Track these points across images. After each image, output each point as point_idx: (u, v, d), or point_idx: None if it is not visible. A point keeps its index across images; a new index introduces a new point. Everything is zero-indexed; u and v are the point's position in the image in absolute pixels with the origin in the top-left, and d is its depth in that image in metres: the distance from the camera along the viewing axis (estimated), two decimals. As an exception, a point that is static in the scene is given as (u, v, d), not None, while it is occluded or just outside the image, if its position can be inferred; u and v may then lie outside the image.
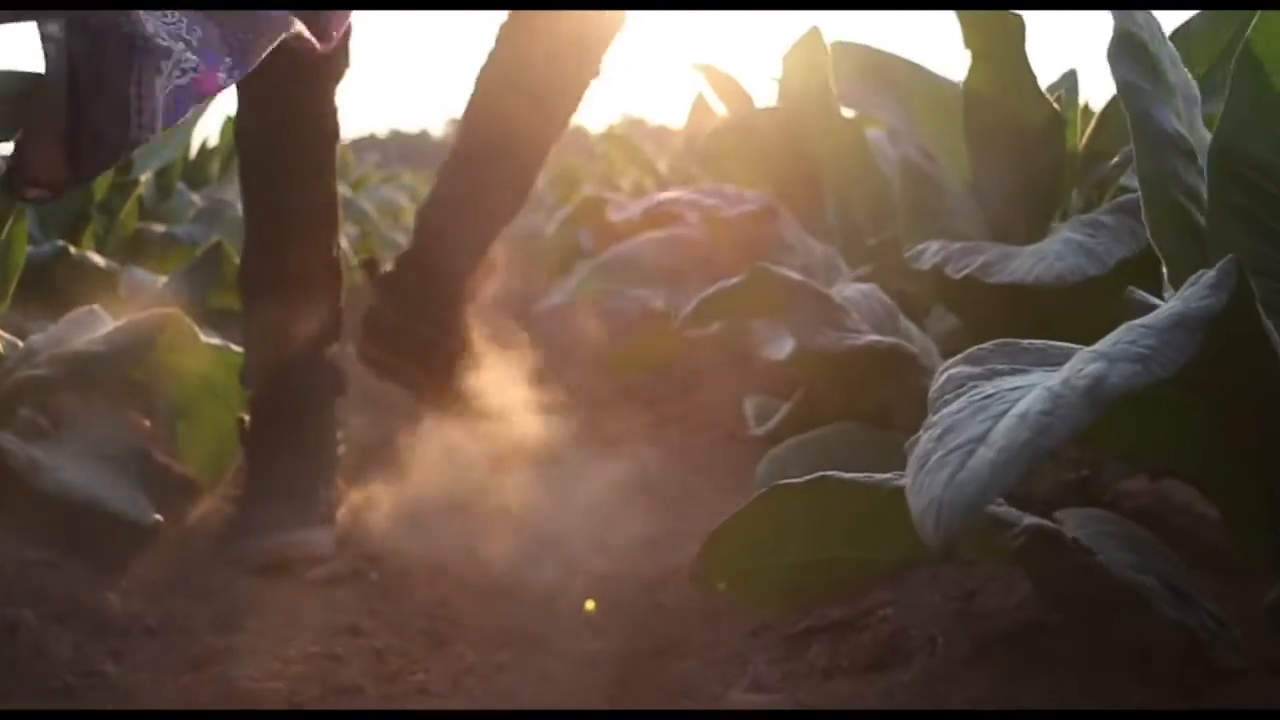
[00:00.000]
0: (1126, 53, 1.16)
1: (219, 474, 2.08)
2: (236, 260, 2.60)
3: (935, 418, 0.89)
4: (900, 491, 1.04)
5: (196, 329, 1.94)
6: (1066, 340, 1.14)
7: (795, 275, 1.67)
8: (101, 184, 2.41)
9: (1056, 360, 0.94)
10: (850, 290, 1.75)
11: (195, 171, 3.64)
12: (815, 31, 2.71)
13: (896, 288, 1.98)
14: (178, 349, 1.98)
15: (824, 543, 1.14)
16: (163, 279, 2.60)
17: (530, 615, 1.61)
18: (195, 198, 3.18)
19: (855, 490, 1.06)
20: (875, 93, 1.99)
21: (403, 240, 6.94)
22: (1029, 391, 0.86)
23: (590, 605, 1.91)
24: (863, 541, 1.14)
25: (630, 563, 1.77)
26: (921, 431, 0.89)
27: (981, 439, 0.83)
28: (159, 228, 2.89)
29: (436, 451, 2.21)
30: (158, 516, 1.62)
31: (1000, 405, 0.86)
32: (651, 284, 2.60)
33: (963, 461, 0.82)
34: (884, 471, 1.62)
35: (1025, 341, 0.97)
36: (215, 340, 2.00)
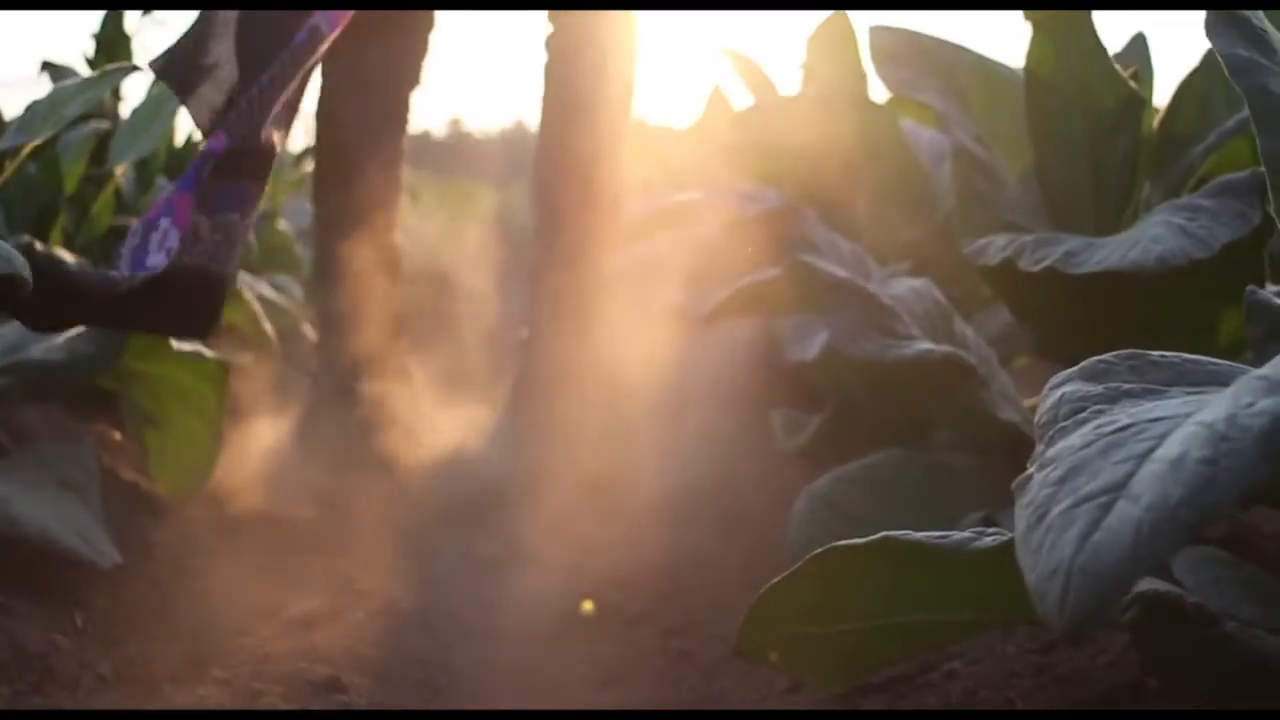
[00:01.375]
0: (1228, 26, 0.97)
1: (193, 490, 1.89)
2: (219, 259, 2.41)
3: (1051, 452, 0.70)
4: (986, 555, 0.85)
5: (171, 338, 1.75)
6: (1160, 337, 0.96)
7: (838, 270, 1.48)
8: (72, 175, 2.22)
9: (1200, 379, 0.75)
10: (899, 287, 1.55)
11: (180, 164, 3.45)
12: (842, 15, 2.52)
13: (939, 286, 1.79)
14: (147, 356, 1.80)
15: (890, 609, 0.94)
16: (140, 279, 2.41)
17: (537, 663, 1.41)
18: (180, 193, 2.99)
19: (927, 553, 0.86)
20: (919, 77, 1.80)
21: (402, 240, 6.76)
22: (1177, 425, 0.66)
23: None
24: (937, 607, 0.94)
25: (651, 600, 1.58)
26: (1032, 468, 0.70)
27: (1120, 488, 0.63)
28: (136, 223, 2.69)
29: (426, 476, 2.03)
30: (117, 559, 1.43)
31: (1141, 442, 0.66)
32: (666, 287, 2.41)
33: (1097, 518, 0.63)
34: (948, 512, 1.44)
35: (1156, 354, 0.78)
36: (187, 347, 1.81)
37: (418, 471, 2.28)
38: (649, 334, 2.21)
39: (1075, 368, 0.79)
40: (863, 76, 2.35)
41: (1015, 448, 1.50)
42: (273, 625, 1.47)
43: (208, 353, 1.83)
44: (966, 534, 0.87)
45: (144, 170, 2.88)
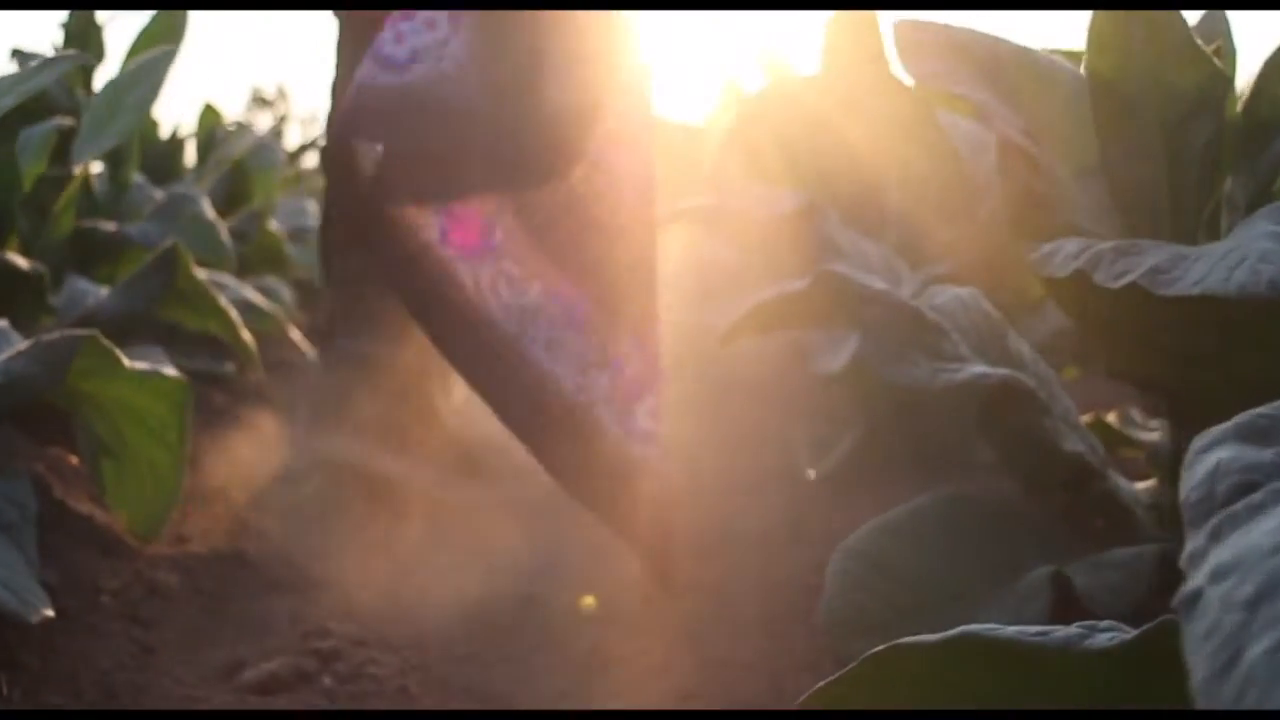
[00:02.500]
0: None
1: (155, 525, 1.70)
2: (193, 266, 2.23)
3: (1225, 555, 0.50)
4: (1103, 658, 0.66)
5: (118, 352, 1.56)
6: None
7: (873, 281, 1.28)
8: (30, 175, 2.03)
9: None
10: (943, 297, 1.35)
11: (162, 162, 3.26)
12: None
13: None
14: (95, 375, 1.60)
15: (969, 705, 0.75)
16: (105, 289, 2.23)
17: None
18: (158, 193, 2.80)
19: (1021, 653, 0.67)
20: (952, 69, 1.60)
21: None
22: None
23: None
24: (1030, 703, 0.75)
25: (664, 653, 1.38)
26: (1197, 579, 0.50)
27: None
28: (109, 226, 2.51)
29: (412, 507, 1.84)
30: (47, 612, 1.24)
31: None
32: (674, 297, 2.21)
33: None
34: (1007, 566, 1.24)
35: (1340, 409, 0.58)
36: (143, 365, 1.62)
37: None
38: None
39: (1228, 425, 0.59)
40: (887, 64, 2.15)
41: (1080, 483, 1.31)
42: (227, 691, 1.27)
43: (167, 370, 1.64)
44: (1073, 631, 0.67)
45: (118, 168, 2.70)
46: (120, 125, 2.26)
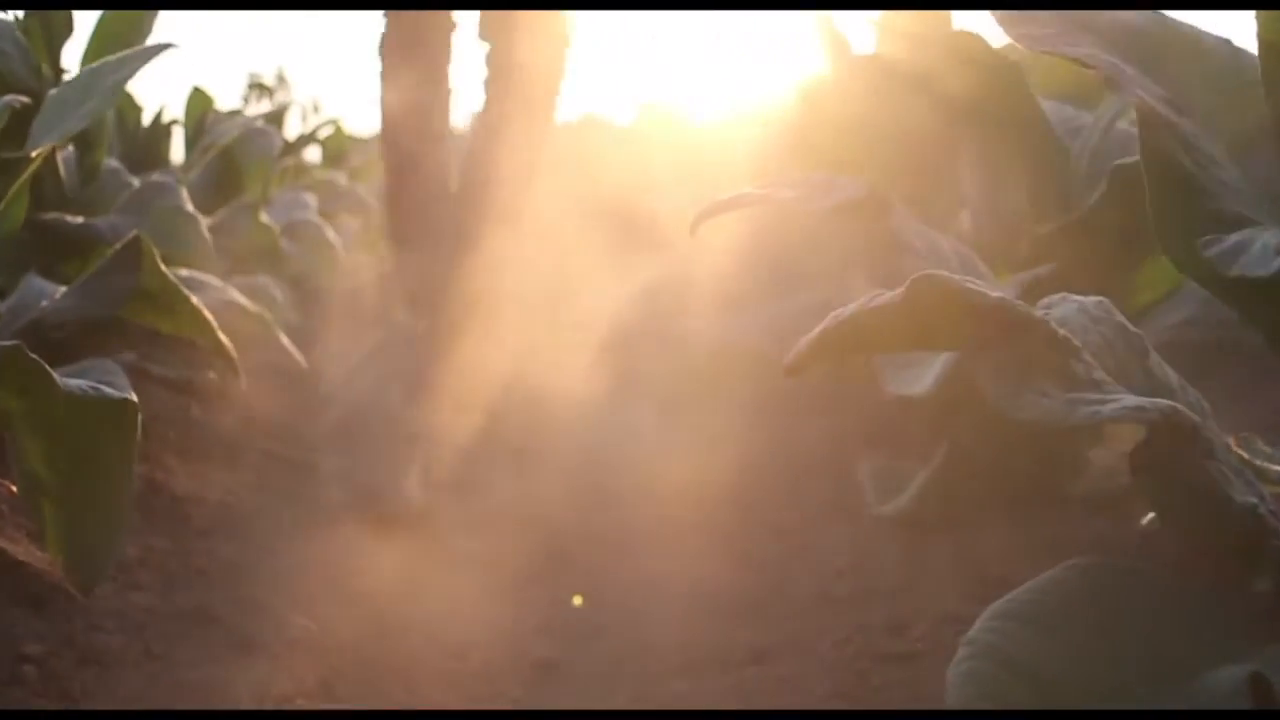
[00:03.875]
0: None
1: (97, 570, 1.42)
2: (160, 260, 1.95)
3: None
4: None
5: (47, 368, 1.29)
6: None
7: (988, 290, 1.00)
8: (-26, 160, 1.76)
9: None
10: (1065, 309, 1.07)
11: (144, 150, 3.00)
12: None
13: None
14: (23, 394, 1.33)
15: None
16: (63, 288, 1.96)
17: None
18: (136, 181, 2.53)
19: None
20: (1066, 33, 1.32)
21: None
22: None
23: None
24: None
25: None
26: None
27: None
28: (75, 219, 2.24)
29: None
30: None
31: None
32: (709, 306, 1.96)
33: None
34: (1179, 660, 0.96)
35: None
36: (81, 383, 1.34)
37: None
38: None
39: None
40: (970, 34, 1.87)
41: (1253, 546, 1.02)
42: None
43: (109, 389, 1.36)
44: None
45: (88, 154, 2.42)
46: (90, 108, 1.98)
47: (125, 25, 2.44)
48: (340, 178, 5.03)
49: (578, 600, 1.62)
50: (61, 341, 2.19)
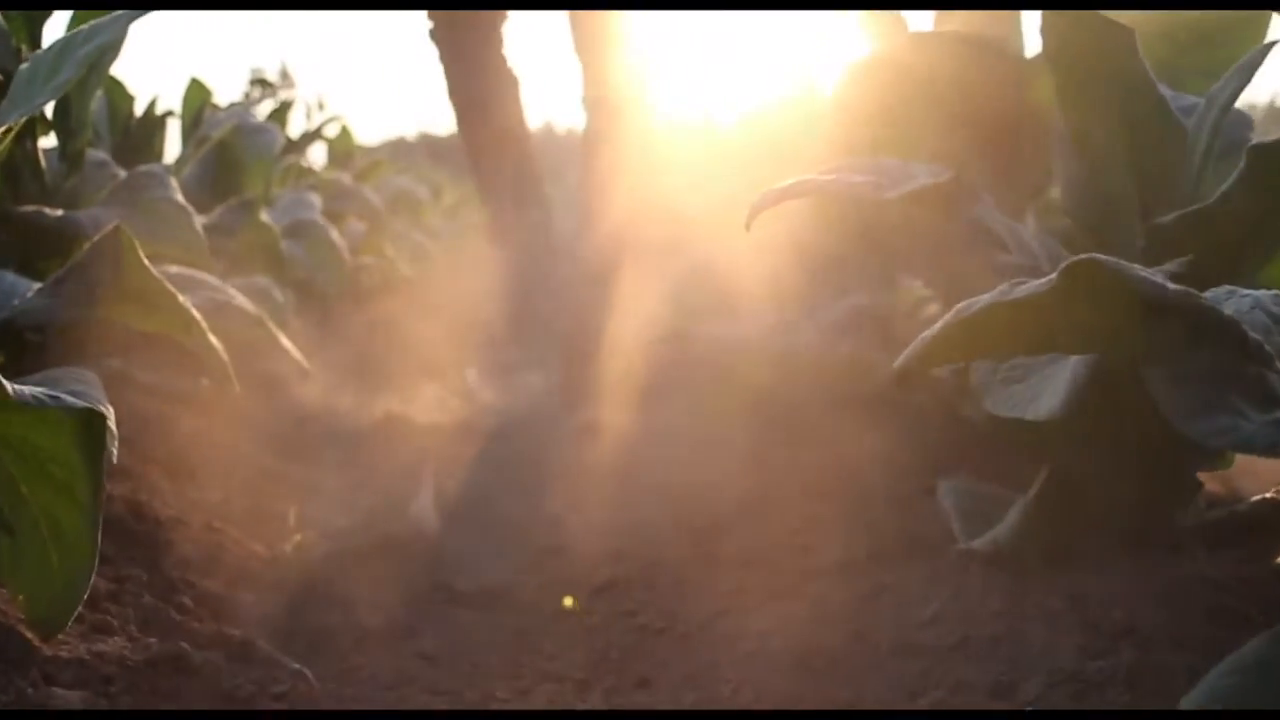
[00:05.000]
0: None
1: (62, 611, 1.22)
2: (147, 256, 1.75)
3: None
4: None
5: (1, 379, 1.08)
6: None
7: (1168, 282, 0.79)
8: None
9: None
10: (1237, 304, 0.87)
11: (135, 143, 2.79)
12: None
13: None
14: (-29, 407, 1.13)
15: None
16: (38, 285, 1.76)
17: None
18: (122, 173, 2.33)
19: None
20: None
21: (423, 240, 6.06)
22: None
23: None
24: None
25: None
26: None
27: None
28: (54, 212, 2.03)
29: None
30: None
31: None
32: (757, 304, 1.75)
33: None
34: None
35: None
36: (38, 391, 1.14)
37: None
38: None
39: None
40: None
41: None
42: None
43: (73, 400, 1.15)
44: None
45: (71, 142, 2.22)
46: (63, 80, 1.78)
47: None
48: (345, 178, 4.84)
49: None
50: (39, 345, 1.99)
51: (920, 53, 1.78)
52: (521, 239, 3.52)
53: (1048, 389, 1.12)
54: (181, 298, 1.81)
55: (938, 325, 0.87)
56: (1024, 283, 0.84)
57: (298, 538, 1.76)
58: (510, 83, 3.57)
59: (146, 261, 1.74)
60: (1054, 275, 0.80)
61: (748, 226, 1.44)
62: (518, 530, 1.75)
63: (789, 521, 1.62)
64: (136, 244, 1.71)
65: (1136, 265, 0.84)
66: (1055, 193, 2.00)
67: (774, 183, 1.48)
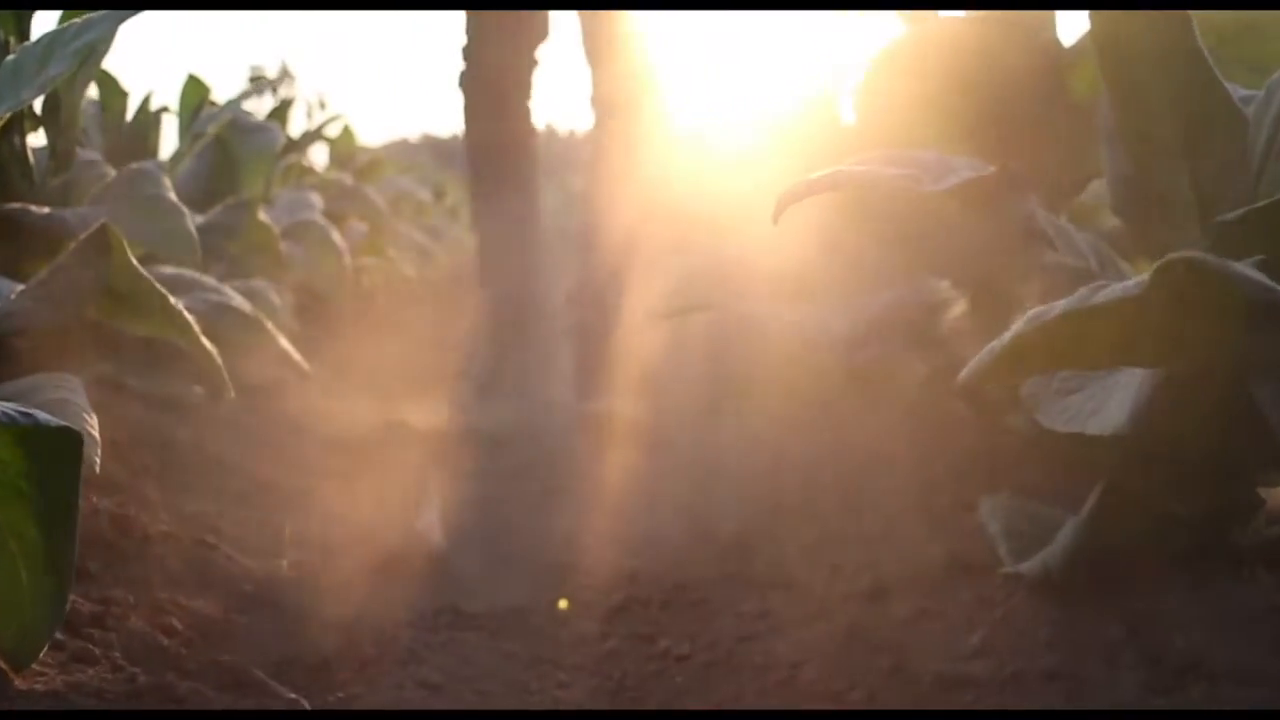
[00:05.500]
0: None
1: (33, 643, 1.12)
2: (131, 255, 1.65)
3: None
4: None
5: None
6: None
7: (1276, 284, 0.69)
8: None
9: None
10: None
11: (129, 141, 2.70)
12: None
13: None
14: (-68, 420, 1.03)
15: None
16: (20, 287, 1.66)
17: None
18: (113, 171, 2.23)
19: None
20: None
21: (424, 240, 5.97)
22: None
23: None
24: None
25: None
26: None
27: None
28: (41, 210, 1.94)
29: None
30: None
31: None
32: (778, 296, 1.66)
33: None
34: None
35: None
36: (10, 408, 1.04)
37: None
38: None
39: None
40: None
41: None
42: None
43: (45, 417, 1.06)
44: None
45: (60, 138, 2.13)
46: (51, 75, 1.68)
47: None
48: (347, 178, 4.74)
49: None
50: (25, 351, 1.90)
51: (953, 36, 1.69)
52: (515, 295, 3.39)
53: (1111, 401, 1.02)
54: (173, 299, 1.72)
55: (1008, 334, 0.77)
56: (1104, 286, 0.74)
57: (294, 554, 1.66)
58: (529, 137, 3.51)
59: (135, 262, 1.65)
60: (1145, 276, 0.70)
61: (775, 219, 1.35)
62: (528, 546, 1.66)
63: (817, 537, 1.52)
64: (125, 243, 1.62)
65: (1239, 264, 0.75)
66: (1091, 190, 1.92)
67: (797, 178, 1.38)
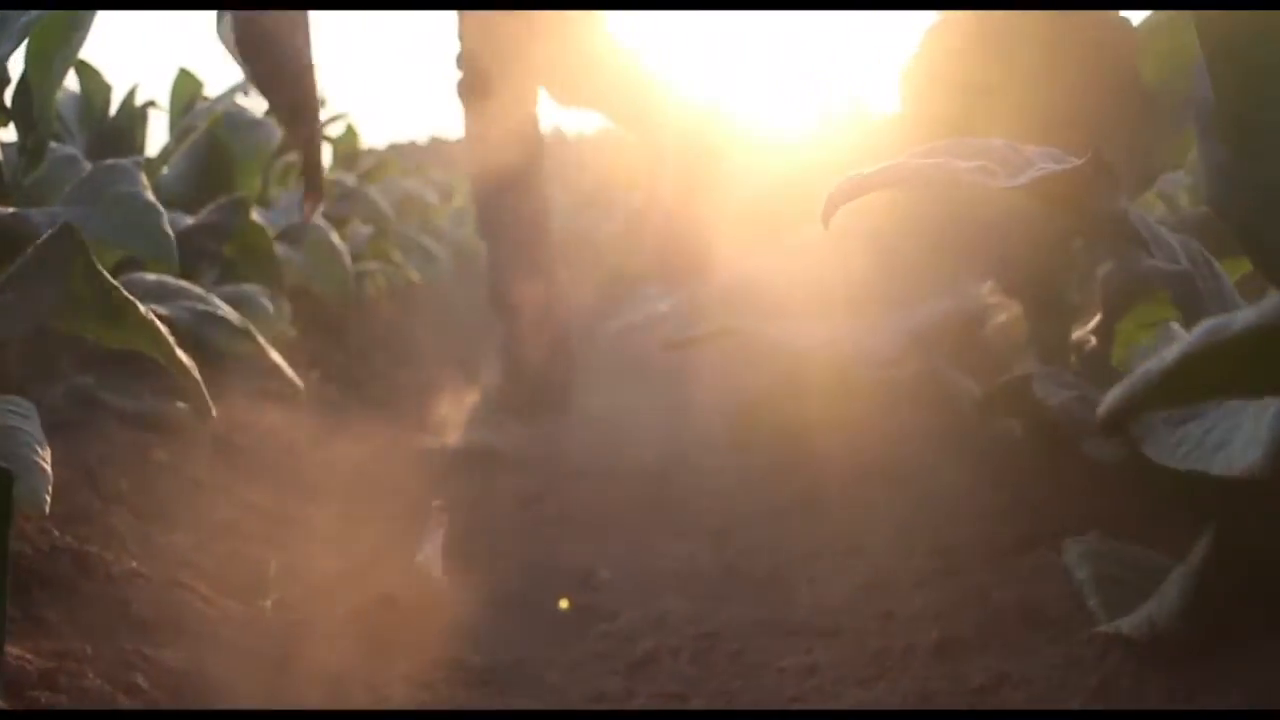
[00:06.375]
0: None
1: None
2: (96, 260, 1.48)
3: None
4: None
5: None
6: None
7: None
8: None
9: None
10: None
11: (112, 137, 2.54)
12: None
13: None
14: None
15: None
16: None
17: None
18: (89, 167, 2.07)
19: None
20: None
21: (430, 243, 5.79)
22: None
23: None
24: None
25: None
26: None
27: None
28: (4, 210, 1.77)
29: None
30: None
31: None
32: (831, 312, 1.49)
33: None
34: None
35: None
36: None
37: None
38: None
39: None
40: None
41: None
42: None
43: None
44: None
45: (30, 132, 1.96)
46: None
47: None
48: (349, 179, 4.58)
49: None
50: (-2, 363, 1.75)
51: (1010, 15, 1.52)
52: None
53: (1239, 435, 0.84)
54: (144, 309, 1.55)
55: (1172, 353, 0.60)
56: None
57: (280, 592, 1.50)
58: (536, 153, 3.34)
59: (101, 267, 1.48)
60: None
61: (825, 221, 1.18)
62: (542, 585, 1.49)
63: (865, 577, 1.35)
64: (88, 247, 1.45)
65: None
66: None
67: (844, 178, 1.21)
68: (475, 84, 3.21)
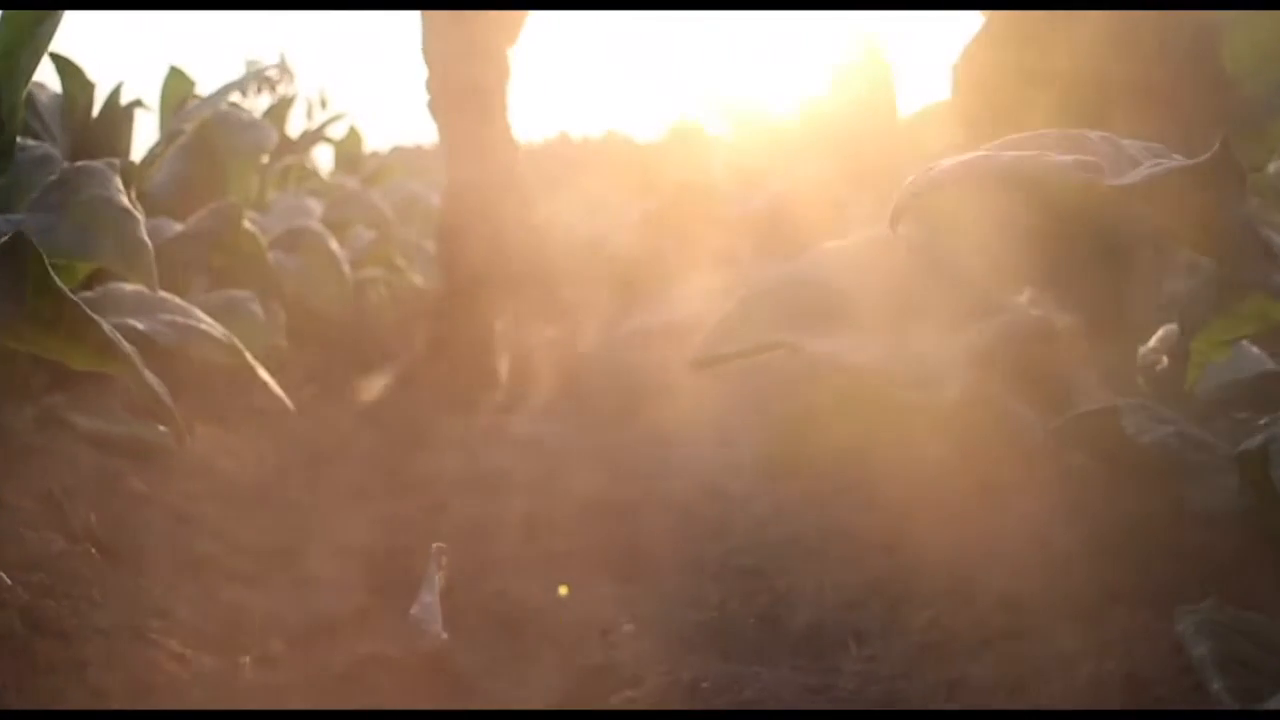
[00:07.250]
0: None
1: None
2: (52, 272, 1.32)
3: None
4: None
5: None
6: None
7: None
8: None
9: None
10: None
11: (95, 139, 2.37)
12: None
13: None
14: None
15: None
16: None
17: None
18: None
19: None
20: None
21: (432, 248, 5.61)
22: None
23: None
24: None
25: None
26: None
27: None
28: (-37, 216, 1.61)
29: None
30: None
31: None
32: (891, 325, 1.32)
33: None
34: None
35: None
36: None
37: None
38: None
39: None
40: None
41: None
42: None
43: None
44: None
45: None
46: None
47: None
48: (351, 182, 4.42)
49: None
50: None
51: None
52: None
53: None
54: (108, 327, 1.38)
55: None
56: None
57: (261, 646, 1.33)
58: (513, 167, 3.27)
59: (59, 282, 1.32)
60: None
61: (894, 224, 1.02)
62: (553, 640, 1.32)
63: (924, 635, 1.18)
64: (44, 258, 1.29)
65: None
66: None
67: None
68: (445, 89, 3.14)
